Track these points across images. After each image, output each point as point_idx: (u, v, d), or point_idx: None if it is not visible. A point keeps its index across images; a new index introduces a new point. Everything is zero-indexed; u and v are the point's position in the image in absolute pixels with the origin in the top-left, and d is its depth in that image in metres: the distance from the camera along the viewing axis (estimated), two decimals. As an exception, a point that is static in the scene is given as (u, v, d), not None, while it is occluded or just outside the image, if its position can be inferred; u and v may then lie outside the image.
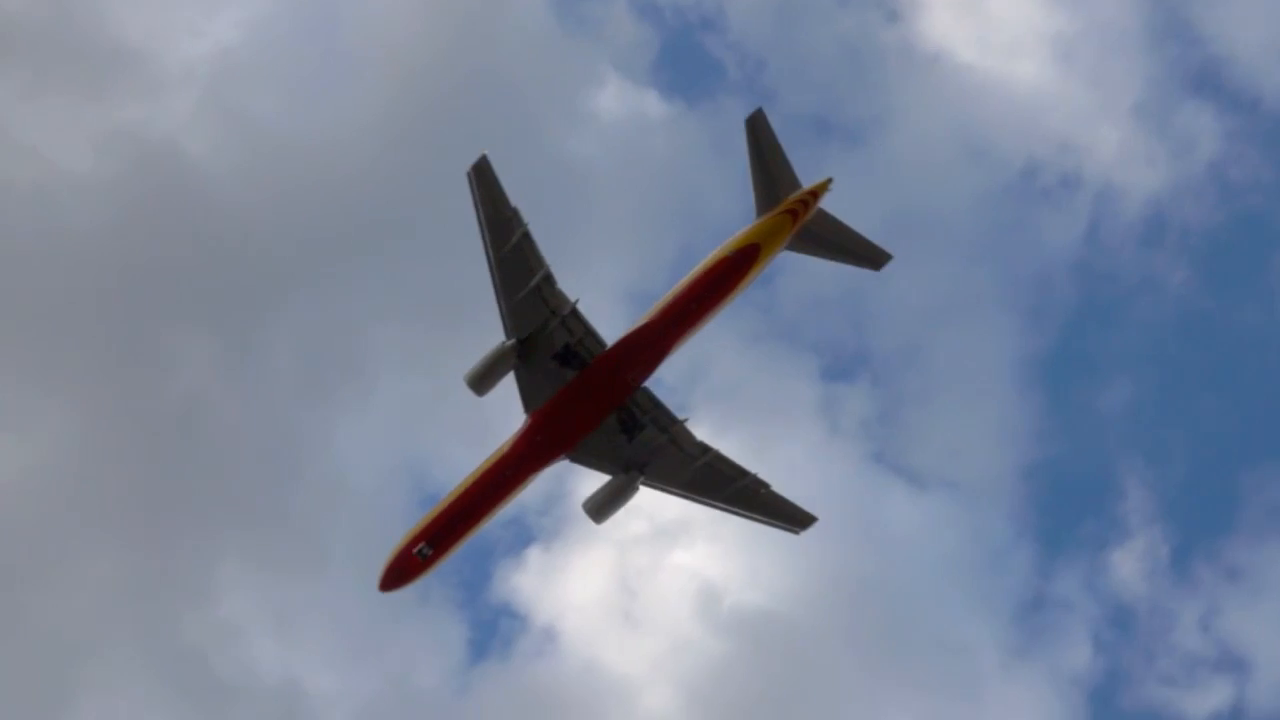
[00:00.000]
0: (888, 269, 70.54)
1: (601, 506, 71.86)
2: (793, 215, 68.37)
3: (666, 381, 74.54)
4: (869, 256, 71.04)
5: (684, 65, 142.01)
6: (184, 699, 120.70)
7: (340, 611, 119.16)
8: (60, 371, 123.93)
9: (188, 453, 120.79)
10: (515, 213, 67.82)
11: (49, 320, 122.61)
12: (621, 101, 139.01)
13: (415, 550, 72.22)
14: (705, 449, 72.17)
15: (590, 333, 69.85)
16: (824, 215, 69.37)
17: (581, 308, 69.60)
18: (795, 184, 68.81)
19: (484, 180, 67.57)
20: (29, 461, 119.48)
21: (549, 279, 68.80)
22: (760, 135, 68.63)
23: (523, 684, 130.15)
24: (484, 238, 68.52)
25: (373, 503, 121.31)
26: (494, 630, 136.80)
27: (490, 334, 70.86)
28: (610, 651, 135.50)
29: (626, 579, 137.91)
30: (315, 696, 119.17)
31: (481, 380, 69.70)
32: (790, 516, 73.15)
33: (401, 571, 72.85)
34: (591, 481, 73.38)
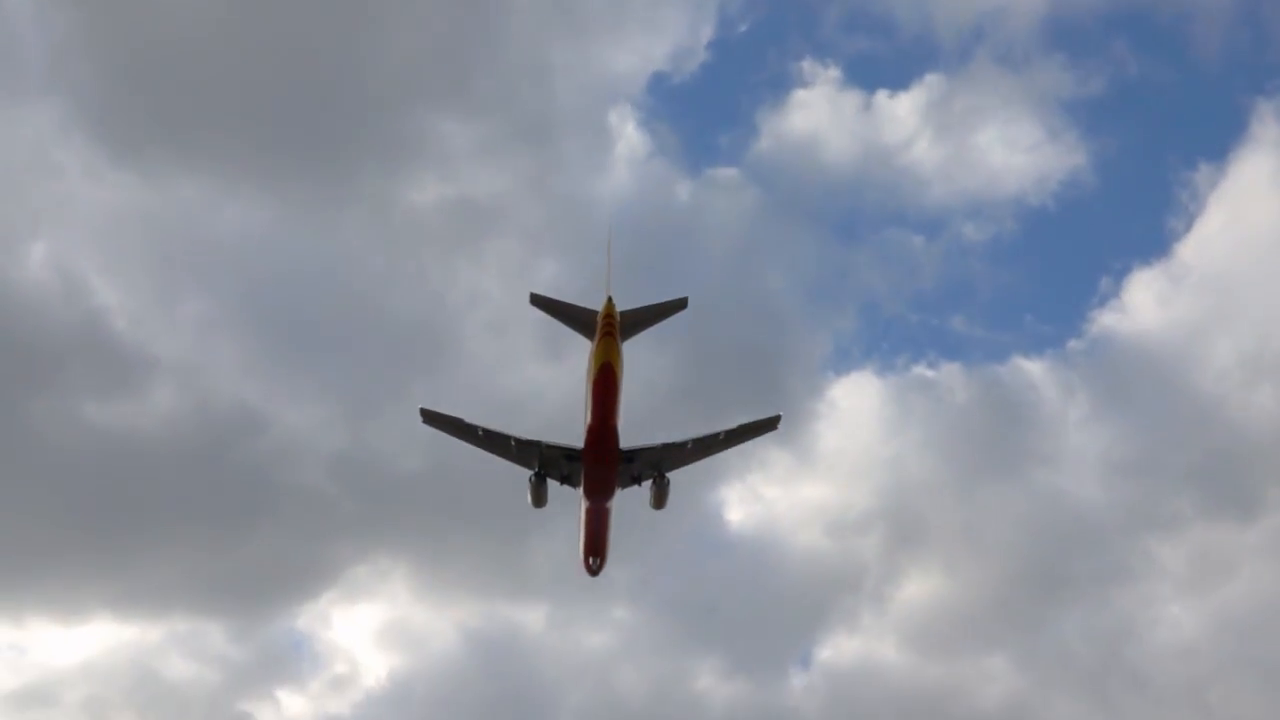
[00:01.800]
0: None
1: (658, 502, 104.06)
2: (608, 333, 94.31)
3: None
4: (673, 307, 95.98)
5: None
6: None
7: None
8: None
9: None
10: (469, 425, 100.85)
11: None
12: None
13: (588, 563, 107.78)
14: (685, 440, 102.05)
15: (565, 447, 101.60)
16: (625, 314, 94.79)
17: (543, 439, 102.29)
18: (593, 314, 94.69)
19: (436, 421, 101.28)
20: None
21: (516, 439, 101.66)
22: (547, 304, 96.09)
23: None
24: (465, 441, 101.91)
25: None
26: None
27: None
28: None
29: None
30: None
31: (536, 502, 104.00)
32: (763, 426, 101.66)
33: (589, 571, 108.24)
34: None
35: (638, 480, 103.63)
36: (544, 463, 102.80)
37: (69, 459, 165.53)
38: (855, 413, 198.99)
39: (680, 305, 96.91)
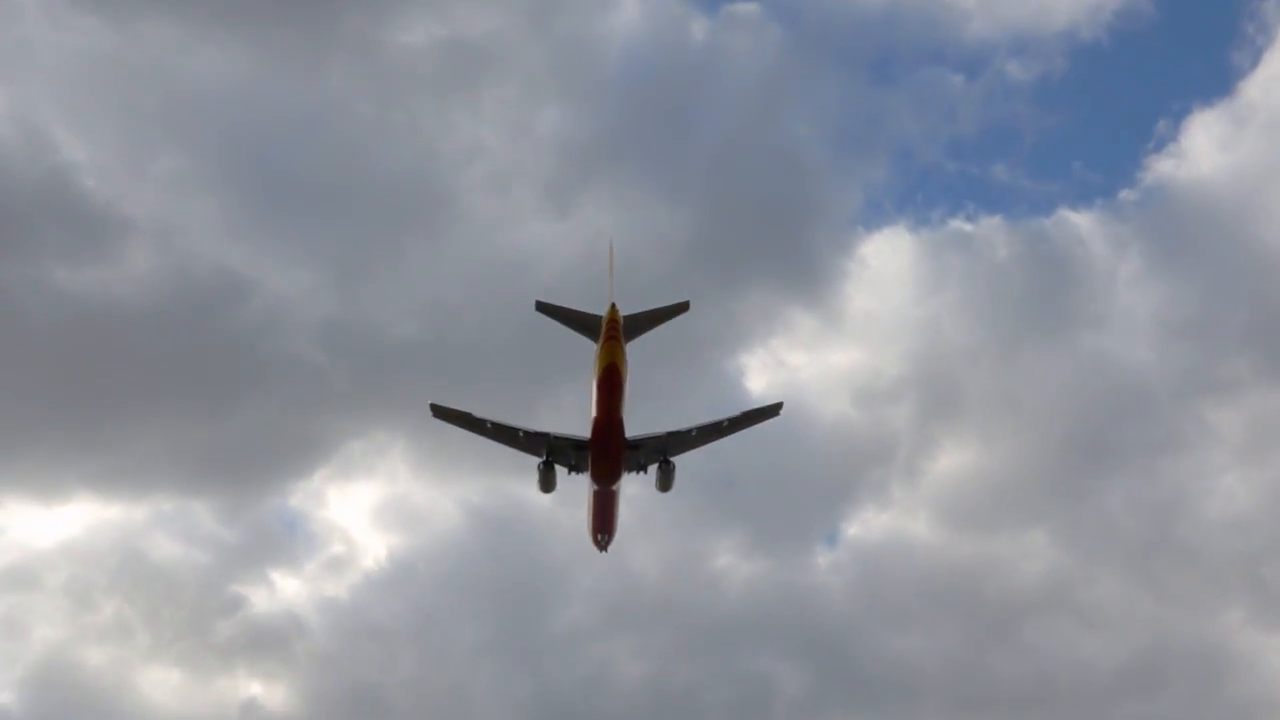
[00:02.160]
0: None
1: (664, 485, 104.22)
2: (612, 336, 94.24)
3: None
4: (675, 310, 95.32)
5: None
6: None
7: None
8: None
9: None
10: (478, 419, 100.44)
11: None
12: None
13: (597, 539, 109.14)
14: (690, 429, 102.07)
15: (572, 438, 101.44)
16: (628, 318, 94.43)
17: (550, 430, 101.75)
18: (598, 319, 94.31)
19: (446, 415, 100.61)
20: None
21: (524, 430, 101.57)
22: (553, 311, 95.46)
23: None
24: (475, 433, 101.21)
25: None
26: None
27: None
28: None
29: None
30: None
31: (545, 488, 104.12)
32: (765, 413, 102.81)
33: (597, 545, 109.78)
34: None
35: (643, 467, 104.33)
36: (552, 451, 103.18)
37: (40, 327, 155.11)
38: (887, 271, 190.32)
39: (683, 308, 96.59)
